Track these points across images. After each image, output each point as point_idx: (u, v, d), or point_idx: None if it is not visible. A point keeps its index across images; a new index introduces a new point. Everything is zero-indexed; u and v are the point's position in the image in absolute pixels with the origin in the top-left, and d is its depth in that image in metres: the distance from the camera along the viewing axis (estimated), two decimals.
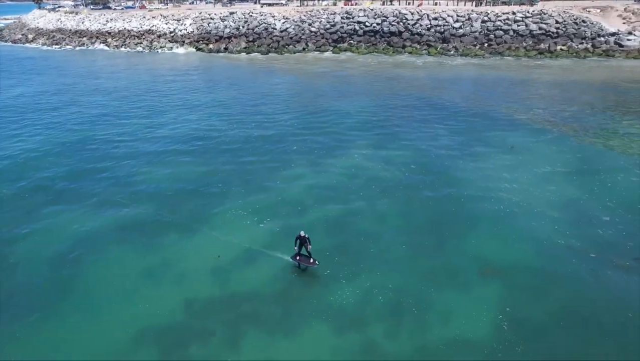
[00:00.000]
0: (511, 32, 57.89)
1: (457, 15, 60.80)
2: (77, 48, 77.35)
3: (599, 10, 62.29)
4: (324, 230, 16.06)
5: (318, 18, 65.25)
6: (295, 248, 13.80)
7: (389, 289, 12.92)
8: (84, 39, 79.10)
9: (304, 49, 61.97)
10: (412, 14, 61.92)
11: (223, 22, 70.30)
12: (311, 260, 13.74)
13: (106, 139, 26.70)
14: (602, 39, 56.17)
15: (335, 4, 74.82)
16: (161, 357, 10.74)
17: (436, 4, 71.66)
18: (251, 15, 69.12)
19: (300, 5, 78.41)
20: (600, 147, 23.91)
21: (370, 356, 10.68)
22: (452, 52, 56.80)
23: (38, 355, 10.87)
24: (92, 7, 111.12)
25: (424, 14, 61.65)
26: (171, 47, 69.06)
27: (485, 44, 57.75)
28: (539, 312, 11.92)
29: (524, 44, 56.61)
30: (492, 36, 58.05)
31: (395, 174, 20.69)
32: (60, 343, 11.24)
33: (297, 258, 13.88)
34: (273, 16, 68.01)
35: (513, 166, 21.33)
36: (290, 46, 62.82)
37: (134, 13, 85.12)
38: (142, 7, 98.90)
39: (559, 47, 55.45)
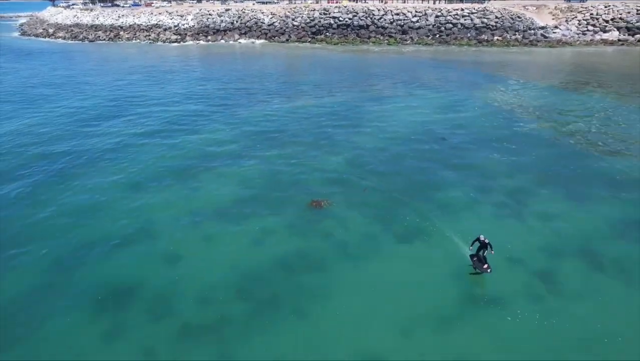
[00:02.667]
0: (459, 25, 69.57)
1: (416, 11, 72.52)
2: (110, 41, 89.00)
3: (535, 8, 74.04)
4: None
5: (300, 14, 77.04)
6: (471, 248, 13.84)
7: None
8: (111, 34, 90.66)
9: (287, 39, 73.78)
10: (378, 10, 73.67)
11: (220, 17, 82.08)
12: (485, 266, 13.50)
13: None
14: (532, 31, 67.85)
15: (317, 2, 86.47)
16: None
17: (405, 1, 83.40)
18: (244, 12, 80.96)
19: (290, 3, 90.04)
20: (466, 96, 35.60)
21: None
22: (408, 41, 68.56)
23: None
24: (101, 5, 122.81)
25: (388, 10, 73.42)
26: (176, 39, 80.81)
27: (437, 35, 69.46)
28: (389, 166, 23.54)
29: (468, 35, 68.31)
30: (443, 29, 69.75)
31: (322, 114, 32.47)
32: None
33: (474, 258, 13.78)
34: (262, 12, 79.84)
35: (401, 109, 33.10)
36: (276, 37, 74.63)
37: (142, 10, 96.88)
38: (148, 4, 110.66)
39: (495, 38, 67.15)
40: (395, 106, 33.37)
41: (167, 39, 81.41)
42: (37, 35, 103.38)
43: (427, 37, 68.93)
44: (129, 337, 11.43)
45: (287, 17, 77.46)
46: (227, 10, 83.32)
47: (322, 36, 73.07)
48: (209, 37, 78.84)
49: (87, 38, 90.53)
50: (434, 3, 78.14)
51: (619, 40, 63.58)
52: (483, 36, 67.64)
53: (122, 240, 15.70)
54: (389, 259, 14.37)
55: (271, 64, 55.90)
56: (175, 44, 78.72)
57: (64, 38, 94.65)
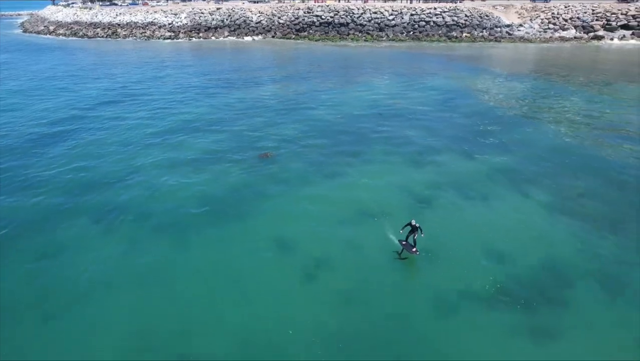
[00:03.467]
0: (431, 23, 75.32)
1: (392, 10, 78.25)
2: (108, 38, 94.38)
3: (503, 8, 79.84)
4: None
5: (285, 13, 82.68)
6: (401, 231, 14.86)
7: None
8: (109, 31, 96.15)
9: (273, 36, 79.44)
10: (358, 9, 79.36)
11: (211, 15, 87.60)
12: (414, 249, 14.50)
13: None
14: (498, 29, 73.65)
15: (303, 1, 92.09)
16: None
17: (385, 0, 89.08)
18: (233, 11, 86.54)
19: (279, 2, 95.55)
20: (422, 80, 41.27)
21: None
22: (384, 38, 74.28)
23: None
24: (100, 4, 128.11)
25: (367, 9, 79.12)
26: (170, 36, 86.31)
27: (411, 32, 75.19)
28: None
29: (439, 32, 74.08)
30: (416, 26, 75.49)
31: (291, 96, 38.09)
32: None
33: (403, 243, 14.81)
34: (251, 11, 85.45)
35: (357, 93, 38.74)
36: (263, 34, 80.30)
37: (139, 9, 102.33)
38: (145, 3, 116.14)
39: (464, 35, 72.93)
40: (355, 90, 39.02)
41: (161, 35, 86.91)
42: (38, 33, 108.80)
43: (401, 35, 74.66)
44: (121, 231, 17.01)
45: (273, 15, 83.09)
46: (218, 9, 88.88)
47: (306, 33, 78.72)
48: (201, 34, 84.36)
49: (87, 35, 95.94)
50: (410, 2, 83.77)
51: (575, 37, 69.39)
52: (453, 33, 73.40)
53: (118, 178, 21.29)
54: (314, 189, 19.94)
55: (256, 58, 61.48)
56: (169, 40, 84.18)
57: (65, 35, 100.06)
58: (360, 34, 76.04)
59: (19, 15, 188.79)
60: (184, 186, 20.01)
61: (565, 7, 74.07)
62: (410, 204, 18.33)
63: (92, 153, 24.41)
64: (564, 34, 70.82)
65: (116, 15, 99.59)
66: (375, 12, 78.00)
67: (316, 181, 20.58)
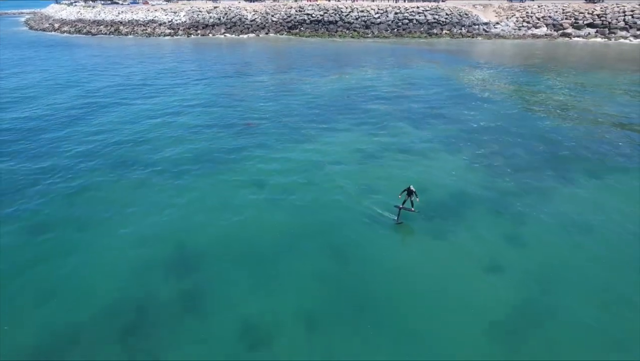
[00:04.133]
0: (414, 21, 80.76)
1: (378, 9, 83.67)
2: (111, 35, 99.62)
3: (482, 7, 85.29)
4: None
5: (278, 11, 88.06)
6: (400, 196, 16.91)
7: None
8: (112, 28, 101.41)
9: (266, 33, 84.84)
10: (346, 8, 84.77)
11: (209, 14, 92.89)
12: (412, 209, 16.79)
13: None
14: (476, 26, 79.10)
15: (295, 0, 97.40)
16: None
17: (373, 0, 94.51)
18: (229, 9, 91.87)
19: (273, 1, 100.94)
20: (394, 71, 46.63)
21: None
22: (369, 35, 79.72)
23: None
24: (102, 3, 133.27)
25: (354, 8, 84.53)
26: (170, 33, 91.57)
27: (395, 30, 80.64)
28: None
29: (421, 29, 79.55)
30: (400, 24, 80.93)
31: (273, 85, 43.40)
32: None
33: (399, 209, 16.78)
34: (246, 10, 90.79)
35: (337, 80, 44.07)
36: (257, 31, 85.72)
37: (140, 7, 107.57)
38: (145, 2, 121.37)
39: (443, 32, 78.42)
40: (335, 78, 44.38)
41: (161, 32, 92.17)
42: (44, 30, 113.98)
43: (386, 32, 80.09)
44: (135, 170, 22.30)
45: (267, 13, 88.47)
46: (215, 7, 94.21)
47: (297, 30, 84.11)
48: (199, 32, 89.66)
49: (90, 32, 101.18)
50: (396, 2, 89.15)
51: (545, 35, 74.89)
52: (434, 30, 78.87)
53: (127, 138, 26.61)
54: (285, 148, 25.24)
55: (250, 52, 66.83)
56: (169, 37, 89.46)
57: (69, 32, 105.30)
58: (347, 31, 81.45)
59: (21, 13, 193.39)
60: (186, 143, 25.35)
61: (539, 6, 79.58)
62: (358, 159, 23.68)
63: (124, 123, 29.73)
64: (536, 31, 76.29)
65: (118, 13, 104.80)
66: (362, 11, 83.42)
67: (287, 142, 25.93)
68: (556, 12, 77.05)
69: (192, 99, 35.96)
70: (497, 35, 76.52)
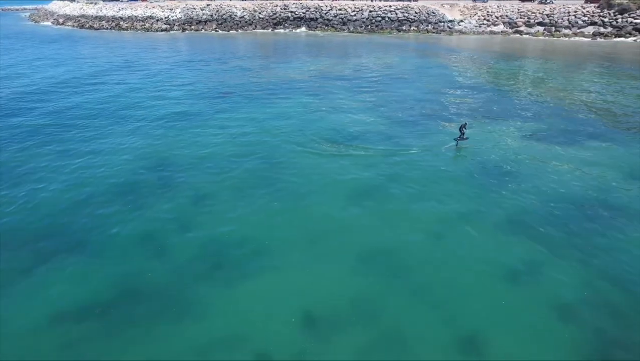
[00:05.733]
0: (386, 19, 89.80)
1: (355, 7, 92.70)
2: (112, 30, 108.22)
3: (449, 6, 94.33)
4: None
5: (265, 9, 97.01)
6: (459, 131, 24.30)
7: None
8: (112, 23, 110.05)
9: (254, 29, 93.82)
10: (326, 6, 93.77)
11: (202, 11, 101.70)
12: (465, 137, 24.24)
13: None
14: (442, 24, 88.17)
15: None
16: None
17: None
18: (221, 7, 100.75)
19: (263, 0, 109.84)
20: (354, 59, 55.52)
21: None
22: (345, 30, 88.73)
23: None
24: (104, 0, 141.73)
25: (333, 6, 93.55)
26: (166, 29, 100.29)
27: (369, 26, 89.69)
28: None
29: (392, 26, 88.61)
30: (374, 21, 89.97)
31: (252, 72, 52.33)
32: None
33: (457, 139, 24.11)
34: (236, 7, 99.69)
35: (305, 66, 53.03)
36: (245, 27, 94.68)
37: (139, 4, 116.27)
38: (144, 0, 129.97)
39: (412, 28, 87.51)
40: (300, 65, 53.35)
41: (158, 28, 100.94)
42: (49, 24, 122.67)
43: (360, 28, 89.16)
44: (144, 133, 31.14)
45: (255, 11, 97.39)
46: (208, 5, 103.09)
47: (281, 26, 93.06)
48: (193, 27, 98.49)
49: (93, 27, 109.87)
50: (372, 1, 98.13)
51: (502, 32, 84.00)
52: (403, 27, 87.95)
53: (137, 107, 35.47)
54: (251, 109, 34.08)
55: (238, 44, 75.77)
56: (165, 32, 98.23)
57: (72, 26, 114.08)
58: (326, 27, 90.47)
59: (24, 9, 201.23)
60: (173, 107, 34.29)
61: (498, 6, 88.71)
62: (304, 112, 32.53)
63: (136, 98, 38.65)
64: (494, 28, 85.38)
65: (119, 9, 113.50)
66: (340, 9, 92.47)
67: (254, 105, 34.88)
68: (512, 12, 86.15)
69: (183, 79, 44.85)
70: (460, 32, 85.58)
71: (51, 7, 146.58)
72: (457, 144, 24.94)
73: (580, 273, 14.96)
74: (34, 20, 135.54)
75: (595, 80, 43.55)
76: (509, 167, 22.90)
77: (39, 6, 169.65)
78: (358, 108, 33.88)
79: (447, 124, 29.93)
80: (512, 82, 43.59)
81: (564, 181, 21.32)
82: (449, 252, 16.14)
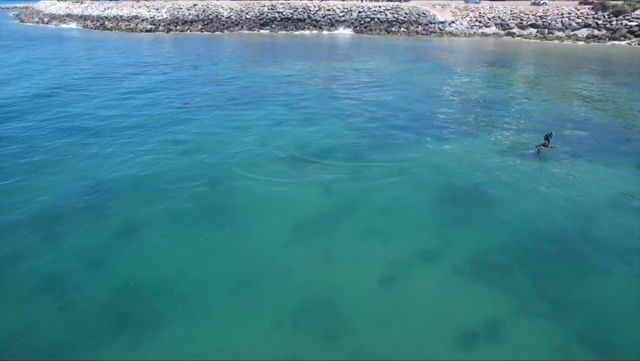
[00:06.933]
0: (375, 19, 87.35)
1: (344, 8, 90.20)
2: (96, 29, 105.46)
3: (440, 7, 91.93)
4: None
5: (252, 9, 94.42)
6: (544, 139, 23.66)
7: None
8: (97, 23, 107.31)
9: (240, 29, 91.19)
10: (314, 7, 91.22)
11: (188, 11, 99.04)
12: (550, 145, 23.60)
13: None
14: (433, 25, 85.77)
15: None
16: None
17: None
18: (207, 7, 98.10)
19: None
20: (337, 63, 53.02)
21: None
22: (333, 31, 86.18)
23: None
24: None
25: (321, 7, 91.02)
26: (150, 29, 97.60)
27: (357, 27, 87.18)
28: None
29: (381, 27, 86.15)
30: (362, 22, 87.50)
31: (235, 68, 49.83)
32: None
33: (540, 146, 23.71)
34: (222, 7, 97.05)
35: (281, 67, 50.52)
36: (231, 28, 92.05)
37: (125, 3, 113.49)
38: None
39: (401, 30, 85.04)
40: (277, 69, 50.87)
41: (143, 28, 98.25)
42: (34, 23, 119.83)
43: (348, 29, 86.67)
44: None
45: (241, 11, 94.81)
46: (194, 5, 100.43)
47: (268, 27, 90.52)
48: (178, 28, 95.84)
49: (79, 27, 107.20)
50: (361, 2, 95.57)
51: (494, 33, 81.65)
52: (392, 28, 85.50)
53: (99, 108, 32.97)
54: (214, 122, 31.59)
55: (220, 47, 73.23)
56: (149, 33, 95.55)
57: (56, 25, 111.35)
58: (314, 28, 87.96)
59: (15, 7, 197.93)
60: (124, 118, 31.72)
61: (490, 7, 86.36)
62: (269, 125, 30.04)
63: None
64: (486, 30, 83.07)
65: (104, 9, 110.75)
66: (328, 10, 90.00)
67: (215, 117, 32.37)
68: (505, 13, 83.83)
69: (149, 85, 42.33)
70: (450, 34, 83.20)
71: (39, 5, 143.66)
72: (538, 152, 24.29)
73: (551, 334, 12.55)
74: (20, 19, 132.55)
75: (588, 90, 41.18)
76: (483, 192, 20.49)
77: (30, 5, 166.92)
78: (329, 119, 31.44)
79: (422, 138, 27.54)
80: (499, 91, 41.23)
81: (543, 210, 18.92)
82: (399, 305, 13.71)
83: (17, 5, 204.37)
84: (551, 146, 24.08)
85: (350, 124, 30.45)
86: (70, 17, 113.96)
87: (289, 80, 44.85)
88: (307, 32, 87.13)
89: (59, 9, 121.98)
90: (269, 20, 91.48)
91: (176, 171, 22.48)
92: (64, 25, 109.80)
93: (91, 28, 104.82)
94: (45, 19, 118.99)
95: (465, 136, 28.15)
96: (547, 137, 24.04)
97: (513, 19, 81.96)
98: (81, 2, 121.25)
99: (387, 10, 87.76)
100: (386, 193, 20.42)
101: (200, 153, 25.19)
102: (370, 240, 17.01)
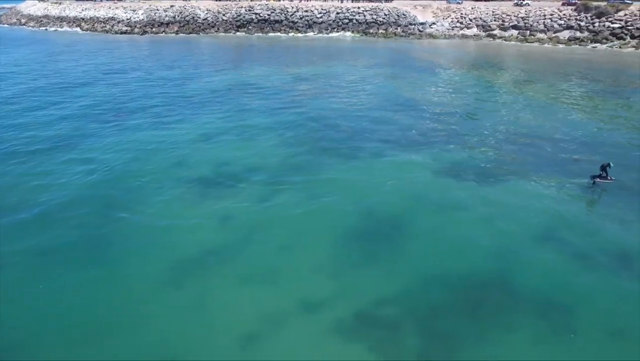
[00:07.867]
0: (354, 21, 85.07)
1: (322, 9, 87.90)
2: (71, 30, 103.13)
3: (422, 7, 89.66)
4: None
5: (229, 10, 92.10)
6: (601, 172, 20.35)
7: None
8: (73, 24, 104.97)
9: (216, 31, 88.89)
10: (292, 8, 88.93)
11: (165, 12, 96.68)
12: (609, 178, 20.29)
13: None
14: (413, 26, 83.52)
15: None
16: None
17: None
18: (184, 8, 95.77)
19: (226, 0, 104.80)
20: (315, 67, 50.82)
21: None
22: (310, 33, 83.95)
23: None
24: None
25: (299, 8, 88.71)
26: (126, 31, 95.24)
27: (335, 29, 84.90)
28: None
29: (359, 28, 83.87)
30: (340, 23, 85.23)
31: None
32: None
33: (595, 177, 20.46)
34: (199, 9, 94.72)
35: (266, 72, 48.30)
36: (208, 30, 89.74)
37: (104, 4, 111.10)
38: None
39: (380, 31, 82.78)
40: (233, 75, 48.58)
41: (118, 30, 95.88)
42: (10, 24, 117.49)
43: (326, 30, 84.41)
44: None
45: (219, 12, 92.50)
46: (171, 6, 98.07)
47: (245, 29, 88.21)
48: (154, 29, 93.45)
49: (57, 28, 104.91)
50: (340, 2, 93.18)
51: (474, 35, 79.43)
52: (371, 30, 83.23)
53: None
54: (139, 136, 29.32)
55: (189, 50, 70.94)
56: (125, 35, 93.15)
57: (32, 27, 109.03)
58: (291, 30, 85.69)
59: (2, 8, 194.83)
60: (41, 128, 29.45)
61: (472, 8, 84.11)
62: (196, 138, 27.81)
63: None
64: (467, 32, 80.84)
65: (82, 10, 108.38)
66: (306, 11, 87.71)
67: (144, 128, 30.08)
68: (487, 14, 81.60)
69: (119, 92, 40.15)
70: (430, 35, 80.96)
71: (21, 7, 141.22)
72: (593, 183, 20.97)
73: None
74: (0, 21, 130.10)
75: (567, 100, 38.83)
76: (402, 223, 18.27)
77: (15, 5, 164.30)
78: (266, 133, 29.17)
79: (358, 154, 25.38)
80: (464, 99, 39.02)
81: (463, 247, 16.70)
82: None
83: (5, 5, 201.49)
84: (611, 178, 20.73)
85: (286, 139, 28.21)
86: (47, 18, 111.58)
87: (242, 87, 42.64)
88: (282, 35, 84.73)
89: (38, 10, 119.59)
90: (245, 22, 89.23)
91: (66, 198, 20.22)
92: (41, 28, 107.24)
93: (67, 29, 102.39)
94: (23, 20, 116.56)
95: (406, 151, 25.97)
96: (603, 168, 20.74)
97: (495, 20, 79.77)
98: (59, 3, 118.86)
99: (366, 11, 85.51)
100: (292, 225, 18.19)
101: (108, 172, 23.03)
102: (252, 285, 14.80)
